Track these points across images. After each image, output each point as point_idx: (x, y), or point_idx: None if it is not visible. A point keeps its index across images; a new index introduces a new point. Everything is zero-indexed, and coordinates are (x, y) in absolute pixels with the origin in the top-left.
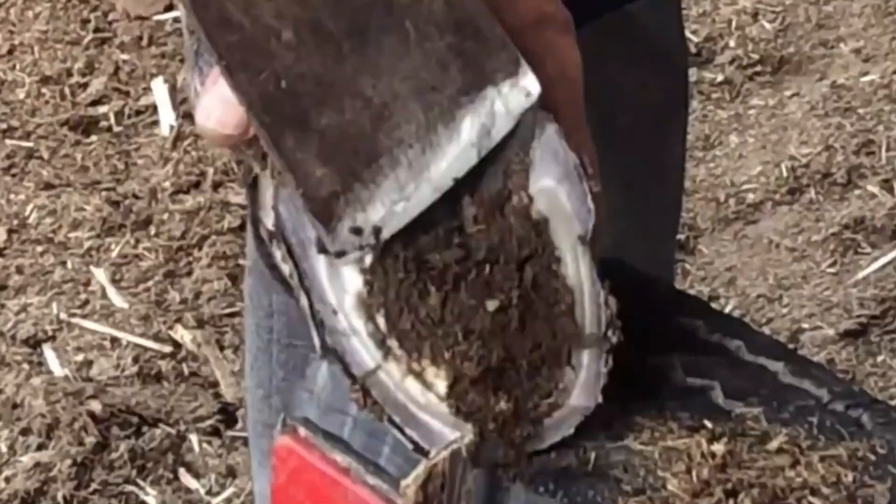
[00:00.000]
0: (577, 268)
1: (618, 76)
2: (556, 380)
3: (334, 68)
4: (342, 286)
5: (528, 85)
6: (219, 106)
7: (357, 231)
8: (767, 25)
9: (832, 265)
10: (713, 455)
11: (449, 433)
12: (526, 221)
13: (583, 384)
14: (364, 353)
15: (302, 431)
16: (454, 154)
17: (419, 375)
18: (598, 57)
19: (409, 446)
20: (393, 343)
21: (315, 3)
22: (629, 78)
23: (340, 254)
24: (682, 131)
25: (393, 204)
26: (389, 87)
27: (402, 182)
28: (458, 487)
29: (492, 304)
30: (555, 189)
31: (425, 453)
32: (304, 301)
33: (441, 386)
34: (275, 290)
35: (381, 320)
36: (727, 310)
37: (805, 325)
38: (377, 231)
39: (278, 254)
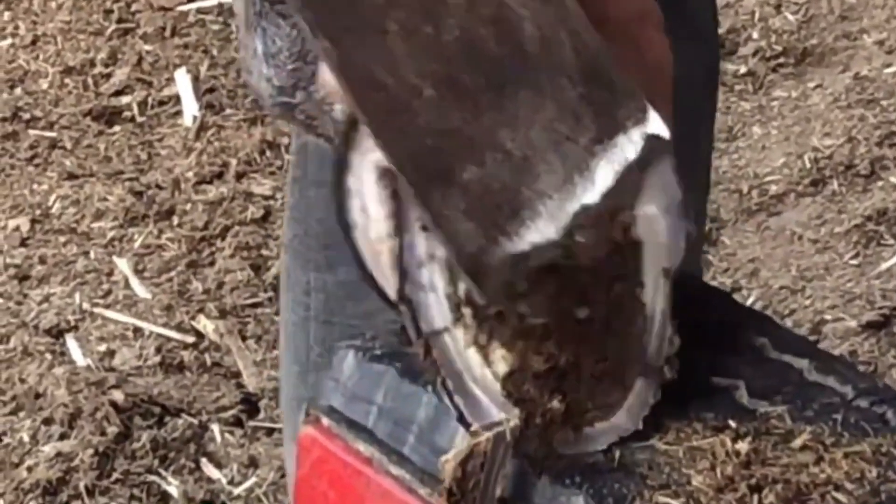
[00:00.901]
0: (655, 298)
1: None
2: (610, 396)
3: (474, 123)
4: (436, 243)
5: (657, 130)
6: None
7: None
8: (791, 17)
9: (855, 257)
10: (737, 453)
11: (495, 412)
12: (625, 240)
13: (629, 407)
14: (437, 310)
15: (325, 421)
16: (589, 203)
17: (483, 349)
18: None
19: (454, 414)
20: (467, 311)
21: (453, 59)
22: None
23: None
24: (713, 111)
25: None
26: (527, 139)
27: (543, 232)
28: (496, 470)
29: (582, 312)
30: (657, 218)
31: (467, 425)
32: (394, 243)
33: (502, 368)
34: (312, 267)
35: (462, 286)
36: (749, 301)
37: (828, 317)
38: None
39: (373, 193)
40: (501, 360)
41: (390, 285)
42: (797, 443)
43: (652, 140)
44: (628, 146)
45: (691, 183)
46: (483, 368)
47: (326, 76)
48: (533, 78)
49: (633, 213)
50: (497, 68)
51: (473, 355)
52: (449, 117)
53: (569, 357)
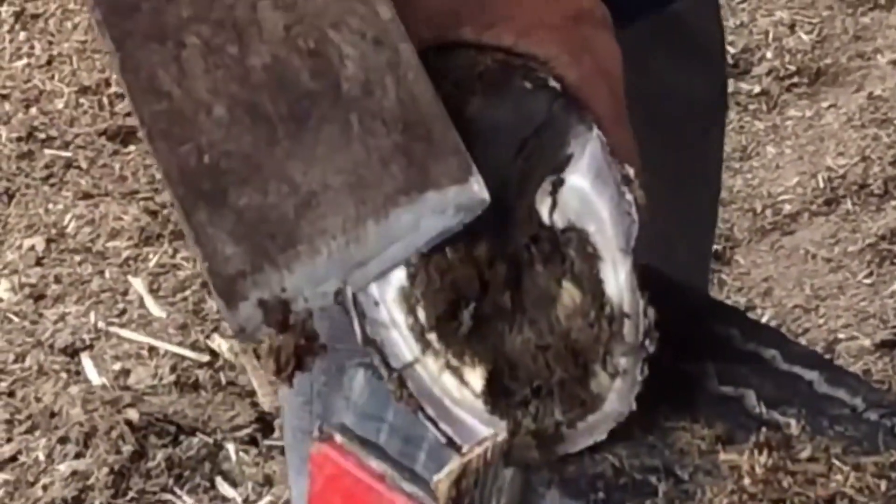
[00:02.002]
0: (616, 276)
1: (666, 75)
2: (591, 385)
3: (264, 150)
4: (386, 278)
5: (478, 193)
6: None
7: (262, 303)
8: (804, 37)
9: (868, 276)
10: (752, 467)
11: (483, 429)
12: (561, 222)
13: (618, 391)
14: (403, 345)
15: (338, 438)
16: (382, 251)
17: (457, 371)
18: (647, 57)
19: (443, 441)
20: (432, 337)
21: (256, 84)
22: (677, 77)
23: (241, 331)
24: (722, 129)
25: (305, 289)
26: (321, 177)
27: (320, 272)
28: (490, 484)
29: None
30: (588, 191)
31: (458, 449)
32: (347, 291)
33: (477, 383)
34: None
35: (421, 314)
36: (763, 320)
37: (841, 336)
38: (284, 303)
39: None
40: (473, 376)
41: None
42: (805, 454)
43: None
44: (438, 202)
45: (699, 199)
46: (461, 389)
47: None
48: (342, 117)
49: (558, 196)
50: (304, 101)
51: (449, 379)
52: (238, 140)
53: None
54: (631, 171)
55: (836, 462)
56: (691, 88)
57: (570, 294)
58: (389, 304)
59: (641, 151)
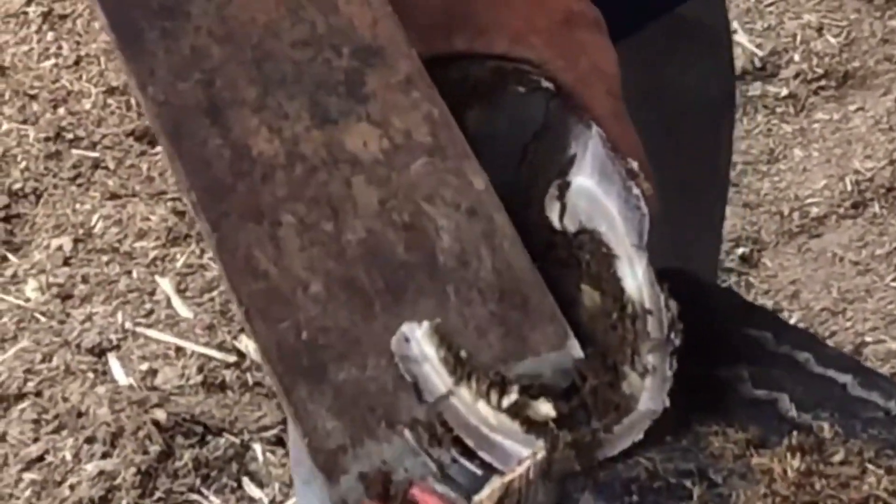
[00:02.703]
0: (633, 273)
1: (677, 76)
2: (623, 387)
3: (362, 325)
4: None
5: (573, 355)
6: None
7: (363, 476)
8: (832, 40)
9: None
10: (785, 470)
11: (522, 451)
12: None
13: (650, 389)
14: (436, 378)
15: None
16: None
17: (489, 398)
18: (658, 58)
19: (479, 472)
20: (465, 369)
21: (352, 259)
22: (688, 76)
23: (342, 503)
24: (731, 127)
25: (406, 459)
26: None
27: (423, 442)
28: (531, 502)
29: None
30: (594, 190)
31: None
32: None
33: (510, 402)
34: None
35: (454, 345)
36: (791, 323)
37: (868, 339)
38: (385, 475)
39: None
40: (506, 398)
41: None
42: (838, 458)
43: (572, 363)
44: (536, 368)
45: (709, 197)
46: (497, 414)
47: None
48: (439, 289)
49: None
50: (401, 274)
51: (483, 406)
52: (335, 316)
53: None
54: (635, 165)
55: (869, 465)
56: (702, 87)
57: (590, 297)
58: (420, 339)
59: (652, 152)
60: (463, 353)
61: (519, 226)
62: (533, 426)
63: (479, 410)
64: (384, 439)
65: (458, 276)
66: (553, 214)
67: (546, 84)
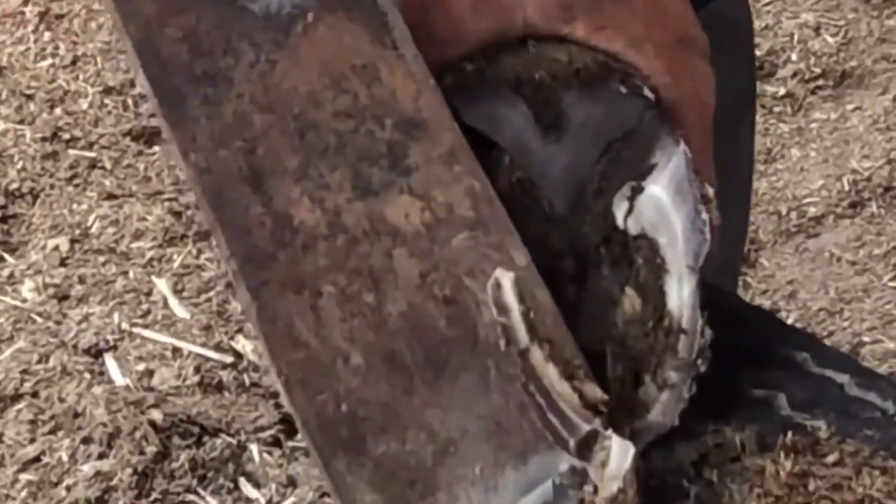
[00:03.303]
0: (680, 292)
1: None
2: (640, 392)
3: (402, 398)
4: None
5: (611, 434)
6: None
7: None
8: (830, 39)
9: (893, 279)
10: (778, 471)
11: (581, 423)
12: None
13: (664, 403)
14: (519, 329)
15: None
16: (519, 497)
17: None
18: None
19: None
20: (536, 332)
21: (393, 332)
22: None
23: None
24: (752, 124)
25: None
26: (460, 424)
27: None
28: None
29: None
30: (663, 201)
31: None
32: None
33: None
34: None
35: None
36: (788, 323)
37: (866, 339)
38: None
39: None
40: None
41: None
42: (833, 458)
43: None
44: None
45: (731, 200)
46: (562, 382)
47: None
48: (480, 364)
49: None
50: (441, 349)
51: (552, 370)
52: (375, 388)
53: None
54: (710, 191)
55: (864, 466)
56: (723, 84)
57: (631, 301)
58: (506, 289)
59: None
60: (533, 315)
61: (582, 213)
62: (587, 404)
63: (549, 373)
64: None
65: (500, 353)
66: (619, 212)
67: (647, 93)
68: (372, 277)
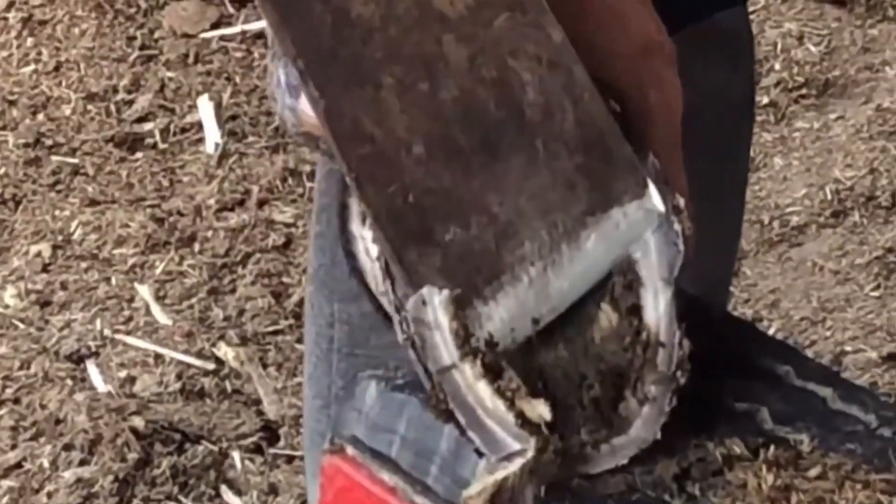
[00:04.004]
0: (656, 306)
1: (700, 79)
2: (620, 408)
3: (462, 184)
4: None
5: (654, 205)
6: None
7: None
8: (813, 48)
9: (876, 288)
10: (760, 485)
11: (511, 442)
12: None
13: (645, 417)
14: (443, 348)
15: (349, 450)
16: (576, 273)
17: (494, 381)
18: (683, 60)
19: (472, 446)
20: (472, 345)
21: (448, 118)
22: (711, 80)
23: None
24: (749, 133)
25: (511, 320)
26: (515, 205)
27: (521, 299)
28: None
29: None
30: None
31: (481, 456)
32: (387, 285)
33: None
34: (337, 298)
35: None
36: (770, 332)
37: (848, 349)
38: (491, 343)
39: (369, 236)
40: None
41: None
42: (814, 472)
43: (647, 213)
44: (622, 220)
45: (724, 209)
46: (495, 400)
47: (306, 114)
48: (528, 144)
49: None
50: (493, 131)
51: (484, 387)
52: (437, 176)
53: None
54: (681, 202)
55: (846, 480)
56: (724, 93)
57: (607, 317)
58: (437, 306)
59: None
60: (477, 331)
61: None
62: (526, 423)
63: (478, 390)
64: (491, 298)
65: (544, 130)
66: None
67: (614, 106)
68: (425, 65)
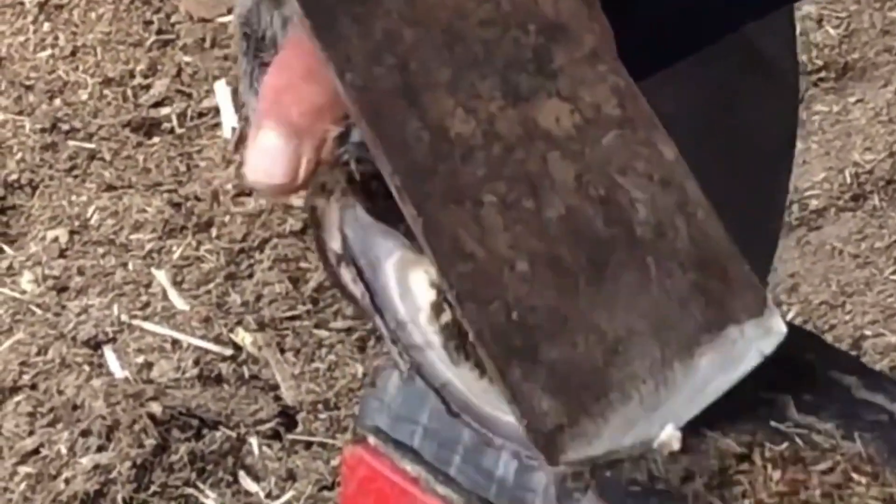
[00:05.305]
0: None
1: (743, 112)
2: None
3: (568, 302)
4: (414, 302)
5: (774, 325)
6: (264, 158)
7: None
8: (832, 31)
9: (895, 272)
10: (768, 479)
11: (515, 427)
12: None
13: None
14: (439, 364)
15: (372, 440)
16: (689, 392)
17: (484, 373)
18: (728, 92)
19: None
20: (464, 350)
21: (554, 237)
22: (754, 115)
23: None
24: (789, 170)
25: (620, 439)
26: (625, 323)
27: (630, 418)
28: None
29: None
30: None
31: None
32: (378, 321)
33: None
34: None
35: (455, 330)
36: (789, 317)
37: (868, 333)
38: (593, 464)
39: (348, 276)
40: None
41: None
42: (826, 465)
43: (766, 331)
44: (739, 339)
45: (762, 232)
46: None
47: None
48: (639, 262)
49: None
50: (601, 249)
51: (481, 383)
52: (542, 294)
53: None
54: None
55: (854, 474)
56: (765, 127)
57: None
58: (423, 325)
59: (706, 185)
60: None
61: None
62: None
63: (478, 389)
64: (599, 416)
65: (656, 248)
66: None
67: None
68: (529, 183)
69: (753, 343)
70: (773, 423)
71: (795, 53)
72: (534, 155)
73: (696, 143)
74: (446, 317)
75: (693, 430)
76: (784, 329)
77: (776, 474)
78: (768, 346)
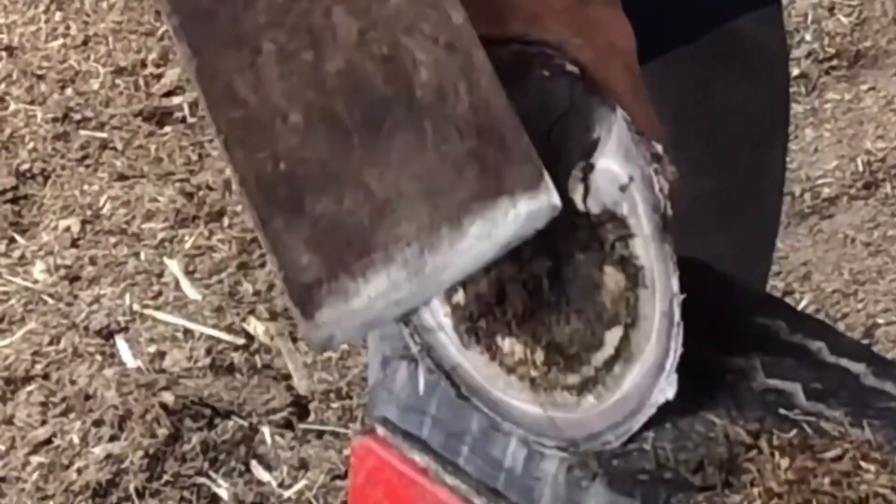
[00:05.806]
0: (647, 253)
1: (723, 95)
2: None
3: (340, 157)
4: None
5: (549, 199)
6: None
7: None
8: (844, 19)
9: None
10: (778, 468)
11: (523, 410)
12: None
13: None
14: (450, 346)
15: (380, 431)
16: (455, 258)
17: (494, 357)
18: (705, 78)
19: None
20: (475, 333)
21: (331, 90)
22: (734, 96)
23: (319, 345)
24: (783, 146)
25: (379, 300)
26: (396, 184)
27: (393, 279)
28: None
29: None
30: (616, 172)
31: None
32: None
33: (511, 361)
34: None
35: (466, 307)
36: (802, 305)
37: (880, 321)
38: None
39: None
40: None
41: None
42: (835, 453)
43: (540, 206)
44: (511, 210)
45: (756, 221)
46: (500, 374)
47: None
48: (416, 124)
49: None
50: (378, 107)
51: (491, 367)
52: (313, 147)
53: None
54: (659, 148)
55: (863, 462)
56: (748, 106)
57: (613, 278)
58: (434, 307)
59: (690, 164)
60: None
61: None
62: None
63: (486, 372)
64: (360, 275)
65: (435, 112)
66: (577, 196)
67: (570, 68)
68: (311, 35)
69: (525, 216)
70: (781, 411)
71: (778, 25)
72: (318, 6)
73: (677, 124)
74: (457, 297)
75: (702, 417)
76: (558, 204)
77: (784, 462)
78: (540, 220)
